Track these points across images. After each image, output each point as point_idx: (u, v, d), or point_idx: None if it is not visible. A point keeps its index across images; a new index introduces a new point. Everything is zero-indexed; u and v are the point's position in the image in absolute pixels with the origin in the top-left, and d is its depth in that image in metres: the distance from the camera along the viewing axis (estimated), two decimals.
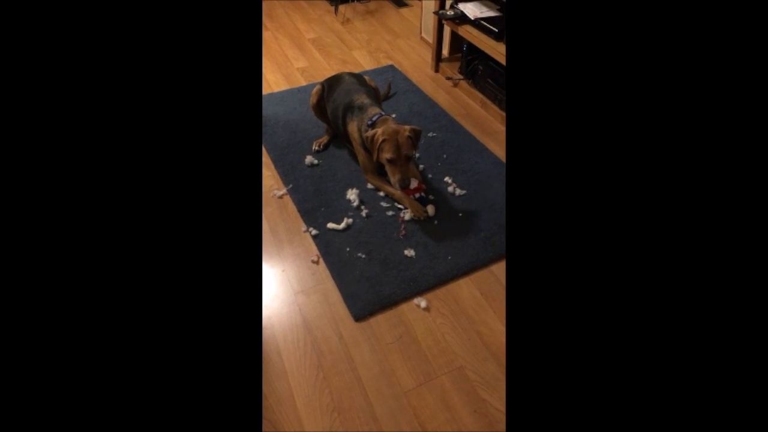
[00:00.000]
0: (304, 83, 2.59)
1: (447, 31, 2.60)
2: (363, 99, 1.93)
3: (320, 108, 2.13)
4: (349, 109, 1.94)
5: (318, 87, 2.12)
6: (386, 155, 1.74)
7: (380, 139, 1.73)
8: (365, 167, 1.94)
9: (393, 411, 1.28)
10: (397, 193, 1.82)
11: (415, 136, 1.77)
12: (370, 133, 1.77)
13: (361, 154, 1.93)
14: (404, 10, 3.36)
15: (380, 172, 1.91)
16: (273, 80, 2.62)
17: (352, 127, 1.92)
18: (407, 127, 1.76)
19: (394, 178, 1.76)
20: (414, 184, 1.77)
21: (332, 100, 2.03)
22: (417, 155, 2.05)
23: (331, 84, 2.07)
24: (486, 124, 2.30)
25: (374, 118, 1.84)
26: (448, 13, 2.39)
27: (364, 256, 1.65)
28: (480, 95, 2.39)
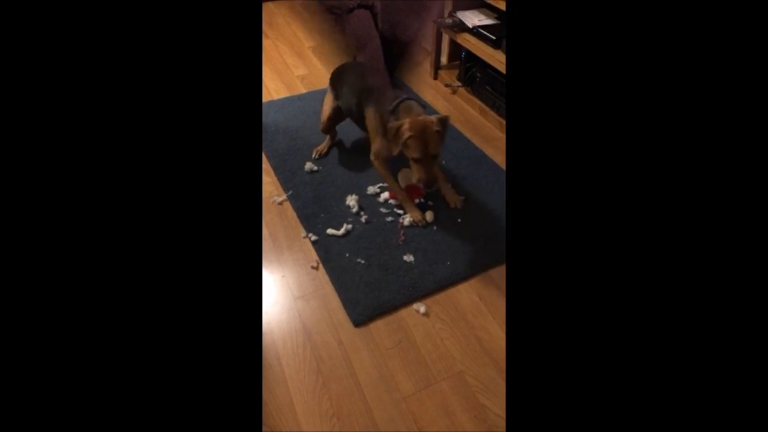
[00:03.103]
0: (304, 91, 2.60)
1: (446, 38, 2.62)
2: (377, 80, 1.76)
3: (336, 117, 2.02)
4: (365, 92, 1.79)
5: (329, 95, 2.01)
6: (413, 154, 1.60)
7: (406, 135, 1.58)
8: (378, 153, 1.82)
9: (392, 416, 1.28)
10: (401, 194, 1.81)
11: (443, 128, 1.62)
12: (395, 124, 1.62)
13: (377, 142, 1.79)
14: None
15: (395, 162, 1.83)
16: (273, 88, 2.64)
17: (369, 113, 1.78)
18: (434, 119, 1.59)
19: (417, 177, 1.64)
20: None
21: (344, 90, 1.89)
22: None
23: (339, 74, 1.94)
24: (484, 130, 2.31)
25: (395, 103, 1.67)
26: (446, 21, 2.41)
27: (363, 261, 1.65)
28: (478, 102, 2.40)
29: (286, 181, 1.99)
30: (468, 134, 2.26)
